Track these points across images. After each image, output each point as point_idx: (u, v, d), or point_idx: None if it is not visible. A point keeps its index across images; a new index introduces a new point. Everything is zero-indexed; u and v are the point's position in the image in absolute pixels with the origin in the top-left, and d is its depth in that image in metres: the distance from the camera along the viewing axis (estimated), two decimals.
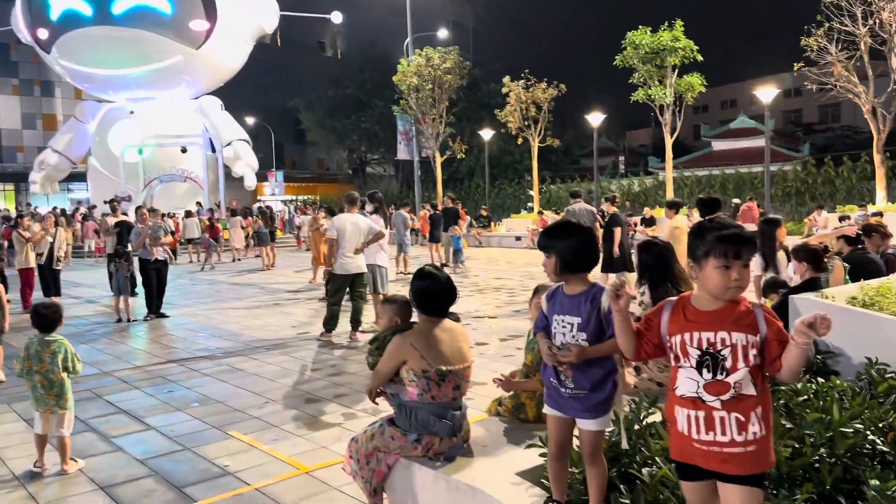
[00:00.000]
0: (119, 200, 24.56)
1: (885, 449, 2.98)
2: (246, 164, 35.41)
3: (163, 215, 18.72)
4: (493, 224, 31.29)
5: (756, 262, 6.39)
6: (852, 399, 3.45)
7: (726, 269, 2.24)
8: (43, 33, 33.45)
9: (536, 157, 31.86)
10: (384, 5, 47.40)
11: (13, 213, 30.99)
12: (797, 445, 2.97)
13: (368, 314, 9.60)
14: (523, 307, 10.95)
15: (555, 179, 41.77)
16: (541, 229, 3.75)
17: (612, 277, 11.23)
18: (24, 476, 4.88)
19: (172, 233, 21.19)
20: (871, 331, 4.23)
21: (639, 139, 64.44)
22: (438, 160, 34.49)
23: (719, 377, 2.23)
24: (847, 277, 5.77)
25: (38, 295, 12.17)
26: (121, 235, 11.83)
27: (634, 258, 4.79)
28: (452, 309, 3.82)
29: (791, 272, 6.15)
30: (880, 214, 13.37)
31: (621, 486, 2.91)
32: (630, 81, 25.80)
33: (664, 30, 24.53)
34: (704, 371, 2.25)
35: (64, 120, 47.50)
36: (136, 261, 11.62)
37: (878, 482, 2.59)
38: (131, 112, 34.64)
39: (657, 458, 2.94)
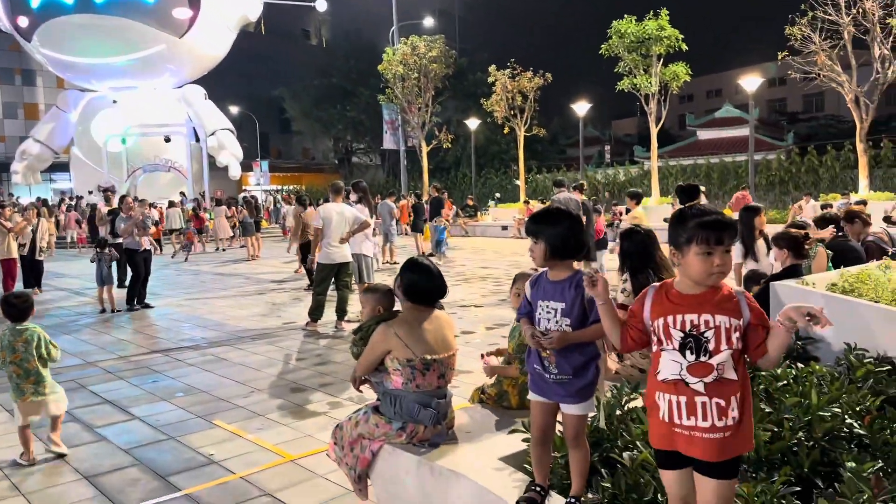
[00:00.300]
0: (114, 190, 24.42)
1: (861, 432, 3.02)
2: (230, 153, 35.19)
3: (150, 205, 18.61)
4: (479, 213, 31.29)
5: (736, 250, 6.44)
6: (831, 384, 3.49)
7: (708, 255, 2.25)
8: (23, 21, 32.96)
9: (523, 147, 31.89)
10: None
11: None
12: (776, 429, 3.01)
13: (354, 304, 9.59)
14: (509, 296, 10.97)
15: (541, 169, 41.76)
16: (527, 219, 3.76)
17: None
18: (7, 466, 4.86)
19: (156, 223, 21.06)
20: (850, 317, 4.27)
21: (625, 129, 64.57)
22: (424, 149, 34.36)
23: (702, 359, 2.25)
24: (829, 265, 5.84)
25: (20, 286, 12.06)
26: (114, 224, 11.86)
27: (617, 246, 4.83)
28: None
29: (772, 259, 6.21)
30: (864, 203, 13.49)
31: (603, 469, 2.94)
32: (615, 70, 25.80)
33: (649, 19, 24.53)
34: (688, 353, 2.26)
35: (46, 109, 46.83)
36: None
37: (854, 464, 2.62)
38: (114, 101, 34.26)
39: (637, 443, 2.97)
